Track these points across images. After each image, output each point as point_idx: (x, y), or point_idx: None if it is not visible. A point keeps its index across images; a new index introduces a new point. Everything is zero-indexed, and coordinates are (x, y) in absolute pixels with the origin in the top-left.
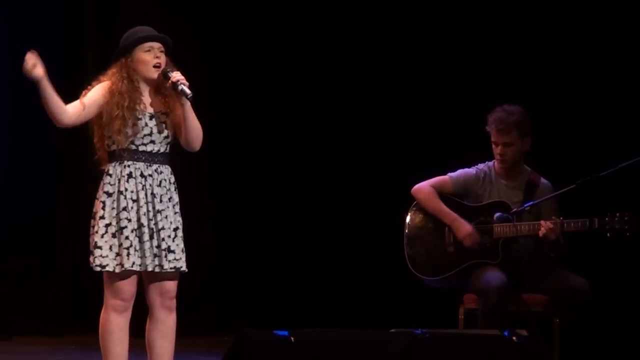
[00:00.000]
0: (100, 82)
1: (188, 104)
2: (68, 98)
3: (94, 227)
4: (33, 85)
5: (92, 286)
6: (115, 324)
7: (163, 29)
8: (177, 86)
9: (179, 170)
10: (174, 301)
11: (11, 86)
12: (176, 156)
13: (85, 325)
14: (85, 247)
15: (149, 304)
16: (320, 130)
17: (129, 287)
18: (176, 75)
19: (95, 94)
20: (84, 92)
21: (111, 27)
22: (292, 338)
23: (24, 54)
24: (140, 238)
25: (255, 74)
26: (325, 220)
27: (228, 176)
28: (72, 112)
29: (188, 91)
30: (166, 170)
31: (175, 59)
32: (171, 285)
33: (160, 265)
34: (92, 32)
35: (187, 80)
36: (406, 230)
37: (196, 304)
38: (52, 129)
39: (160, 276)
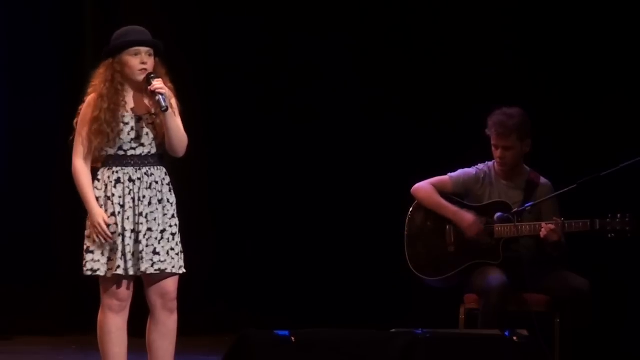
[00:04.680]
0: (92, 87)
1: (168, 113)
2: (67, 97)
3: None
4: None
5: (92, 286)
6: (112, 324)
7: (162, 27)
8: (155, 96)
9: (177, 171)
10: (175, 302)
11: (11, 88)
12: (180, 158)
13: (86, 325)
14: None
15: (150, 306)
16: (320, 130)
17: (124, 288)
18: (156, 84)
19: (88, 125)
20: (79, 109)
21: (111, 27)
22: (293, 338)
23: (24, 54)
24: (124, 243)
25: (254, 72)
26: (325, 220)
27: (227, 176)
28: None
29: (164, 104)
30: (158, 171)
31: (172, 57)
32: (171, 287)
33: (139, 268)
34: (92, 32)
35: (182, 80)
36: (406, 230)
37: (197, 304)
38: (51, 131)
39: (159, 277)
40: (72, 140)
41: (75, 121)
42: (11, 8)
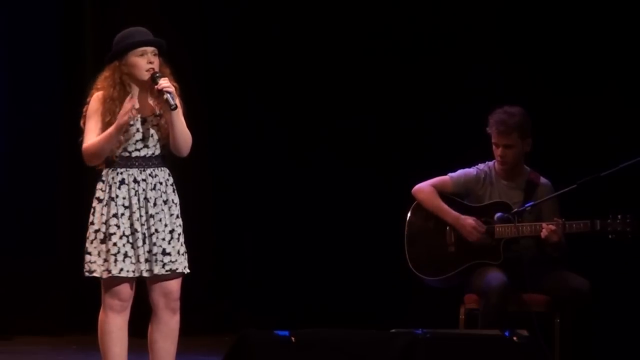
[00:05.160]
0: (95, 89)
1: (176, 111)
2: (68, 97)
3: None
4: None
5: (93, 286)
6: (113, 324)
7: (163, 27)
8: (163, 94)
9: (179, 171)
10: (178, 303)
11: (11, 87)
12: (175, 157)
13: (86, 325)
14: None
15: (153, 305)
16: (320, 130)
17: (126, 288)
18: (163, 83)
19: (97, 118)
20: (84, 111)
21: (111, 28)
22: (293, 338)
23: (24, 54)
24: (133, 244)
25: (252, 73)
26: (325, 220)
27: (228, 176)
28: None
29: (172, 102)
30: (162, 172)
31: (174, 58)
32: (175, 287)
33: (151, 270)
34: (92, 32)
35: (184, 81)
36: (407, 231)
37: (197, 304)
38: (52, 130)
39: (163, 277)
40: (82, 140)
41: (82, 122)
42: (11, 9)
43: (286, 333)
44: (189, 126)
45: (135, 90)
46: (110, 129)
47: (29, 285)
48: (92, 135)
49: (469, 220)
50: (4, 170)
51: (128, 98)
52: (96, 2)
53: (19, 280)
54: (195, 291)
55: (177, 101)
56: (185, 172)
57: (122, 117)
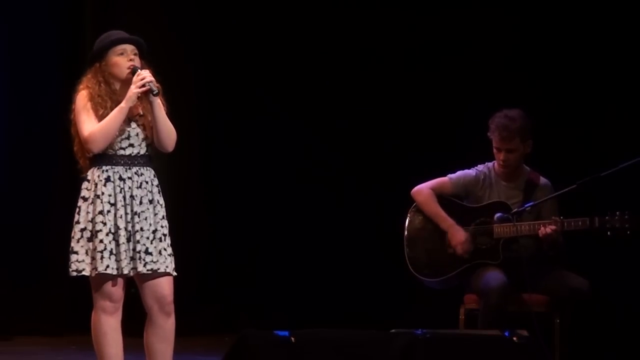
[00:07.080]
0: (78, 92)
1: (156, 103)
2: (67, 98)
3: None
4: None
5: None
6: (107, 325)
7: (162, 27)
8: (144, 85)
9: (174, 171)
10: (172, 305)
11: (10, 87)
12: (175, 158)
13: (85, 326)
14: None
15: (147, 310)
16: (319, 130)
17: (116, 289)
18: (142, 73)
19: (88, 111)
20: (72, 118)
21: (111, 27)
22: (293, 338)
23: (24, 54)
24: (117, 241)
25: (250, 74)
26: (325, 220)
27: (226, 177)
28: None
29: (154, 87)
30: (148, 172)
31: (173, 58)
32: (167, 290)
33: (135, 268)
34: (92, 32)
35: (181, 80)
36: (406, 231)
37: (196, 304)
38: (49, 131)
39: (153, 280)
40: (79, 136)
41: (72, 130)
42: (12, 9)
43: (286, 333)
44: (185, 126)
45: (121, 90)
46: (122, 104)
47: (29, 286)
48: (90, 124)
49: (460, 234)
50: (3, 171)
51: (139, 72)
52: (96, 2)
53: (18, 281)
54: (194, 291)
55: (158, 89)
56: (182, 171)
57: (138, 82)
